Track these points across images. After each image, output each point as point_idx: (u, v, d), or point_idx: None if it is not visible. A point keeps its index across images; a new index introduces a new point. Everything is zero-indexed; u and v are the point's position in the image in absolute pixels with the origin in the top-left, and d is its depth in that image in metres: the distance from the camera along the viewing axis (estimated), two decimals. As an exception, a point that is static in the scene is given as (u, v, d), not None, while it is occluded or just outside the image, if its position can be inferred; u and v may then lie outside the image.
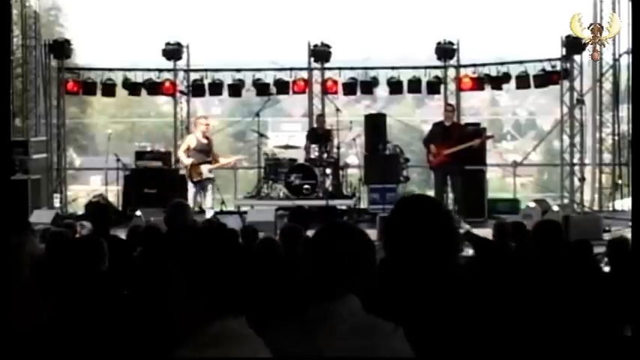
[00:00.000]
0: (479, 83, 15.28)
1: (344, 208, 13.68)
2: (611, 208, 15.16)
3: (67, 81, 15.50)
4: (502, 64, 15.15)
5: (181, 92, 15.90)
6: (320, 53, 15.44)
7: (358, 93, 15.85)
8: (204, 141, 12.93)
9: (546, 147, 23.63)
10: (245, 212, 13.21)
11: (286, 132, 23.64)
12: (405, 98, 23.48)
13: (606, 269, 6.37)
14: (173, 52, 15.68)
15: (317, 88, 15.69)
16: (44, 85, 15.79)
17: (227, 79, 15.48)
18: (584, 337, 4.73)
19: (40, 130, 15.82)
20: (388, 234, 2.80)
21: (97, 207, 8.97)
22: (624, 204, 14.55)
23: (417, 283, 2.68)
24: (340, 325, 2.37)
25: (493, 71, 15.11)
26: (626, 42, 14.59)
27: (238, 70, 15.57)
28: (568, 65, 14.87)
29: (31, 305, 3.78)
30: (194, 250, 2.23)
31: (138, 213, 11.93)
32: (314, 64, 15.59)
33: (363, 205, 14.07)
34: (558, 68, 14.84)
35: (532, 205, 12.93)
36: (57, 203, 15.52)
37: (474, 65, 15.36)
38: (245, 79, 15.48)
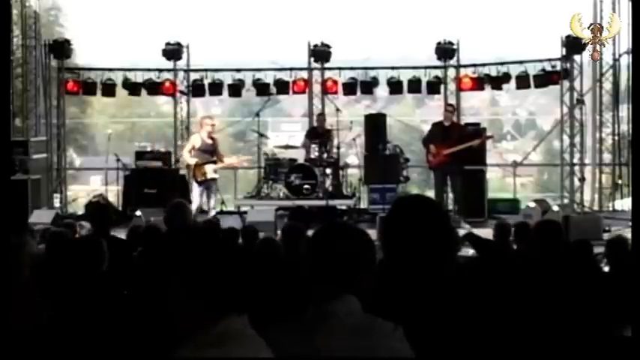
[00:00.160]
0: (479, 83, 15.27)
1: (344, 208, 13.67)
2: (611, 208, 15.15)
3: (67, 81, 15.50)
4: (502, 64, 15.14)
5: (181, 92, 15.90)
6: (320, 53, 15.43)
7: (358, 93, 15.83)
8: (209, 141, 12.89)
9: (546, 147, 23.62)
10: (245, 212, 13.20)
11: (286, 132, 23.65)
12: (405, 98, 23.47)
13: (606, 269, 6.38)
14: (173, 52, 15.67)
15: (317, 88, 15.68)
16: (44, 85, 15.79)
17: (227, 79, 15.47)
18: (584, 337, 4.74)
19: (40, 130, 15.81)
20: (385, 234, 2.80)
21: (97, 207, 8.98)
22: (624, 204, 14.55)
23: (415, 282, 2.68)
24: (340, 326, 2.37)
25: (493, 71, 15.10)
26: (626, 42, 14.59)
27: (238, 70, 15.57)
28: (568, 65, 14.87)
29: (31, 305, 3.78)
30: (194, 250, 2.23)
31: (138, 213, 11.92)
32: (314, 64, 15.58)
33: (363, 205, 14.05)
34: (558, 68, 14.84)
35: (532, 205, 12.93)
36: (57, 203, 15.52)
37: (474, 65, 15.35)
38: (245, 79, 15.47)
